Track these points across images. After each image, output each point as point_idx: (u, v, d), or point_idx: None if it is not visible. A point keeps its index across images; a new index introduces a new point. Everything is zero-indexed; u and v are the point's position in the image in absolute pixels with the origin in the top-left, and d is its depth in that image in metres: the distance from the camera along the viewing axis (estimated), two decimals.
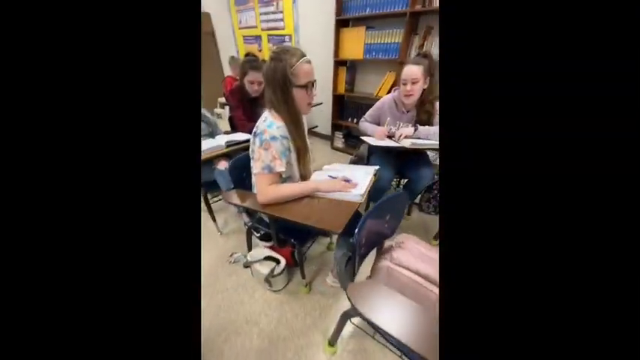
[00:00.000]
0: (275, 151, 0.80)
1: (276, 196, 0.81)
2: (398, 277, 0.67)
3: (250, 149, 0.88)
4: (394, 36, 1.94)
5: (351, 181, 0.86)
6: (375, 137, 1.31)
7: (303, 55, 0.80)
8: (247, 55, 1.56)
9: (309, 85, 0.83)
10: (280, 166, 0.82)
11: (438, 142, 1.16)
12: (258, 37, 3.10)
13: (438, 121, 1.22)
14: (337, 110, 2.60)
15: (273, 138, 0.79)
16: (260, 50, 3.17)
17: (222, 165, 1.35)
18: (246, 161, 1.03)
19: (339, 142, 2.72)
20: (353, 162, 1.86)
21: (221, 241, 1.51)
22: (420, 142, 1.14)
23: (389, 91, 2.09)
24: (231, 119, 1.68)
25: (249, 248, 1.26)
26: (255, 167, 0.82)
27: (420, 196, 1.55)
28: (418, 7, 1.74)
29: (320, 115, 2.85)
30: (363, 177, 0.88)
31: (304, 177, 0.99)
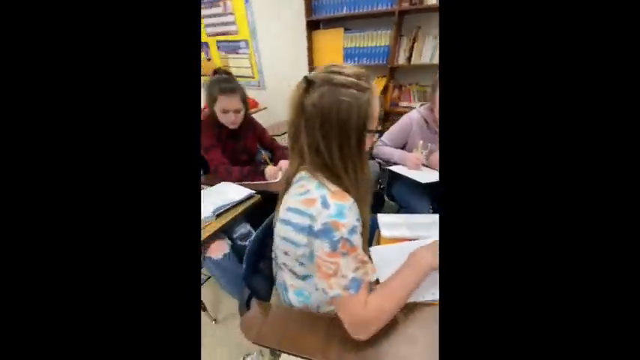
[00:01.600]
0: (360, 249, 0.47)
1: (388, 315, 0.48)
2: None
3: (291, 255, 0.52)
4: (378, 38, 1.72)
5: None
6: (408, 167, 1.06)
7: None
8: (216, 72, 1.14)
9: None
10: (374, 271, 0.49)
11: None
12: (204, 44, 2.57)
13: None
14: None
15: (353, 230, 0.45)
16: (209, 59, 2.65)
17: (218, 250, 0.87)
18: (263, 236, 0.67)
19: None
20: None
21: (219, 333, 1.09)
22: None
23: (382, 95, 1.88)
24: (203, 164, 1.21)
25: None
26: (331, 289, 0.45)
27: None
28: (406, 5, 1.55)
29: None
30: None
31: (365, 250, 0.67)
